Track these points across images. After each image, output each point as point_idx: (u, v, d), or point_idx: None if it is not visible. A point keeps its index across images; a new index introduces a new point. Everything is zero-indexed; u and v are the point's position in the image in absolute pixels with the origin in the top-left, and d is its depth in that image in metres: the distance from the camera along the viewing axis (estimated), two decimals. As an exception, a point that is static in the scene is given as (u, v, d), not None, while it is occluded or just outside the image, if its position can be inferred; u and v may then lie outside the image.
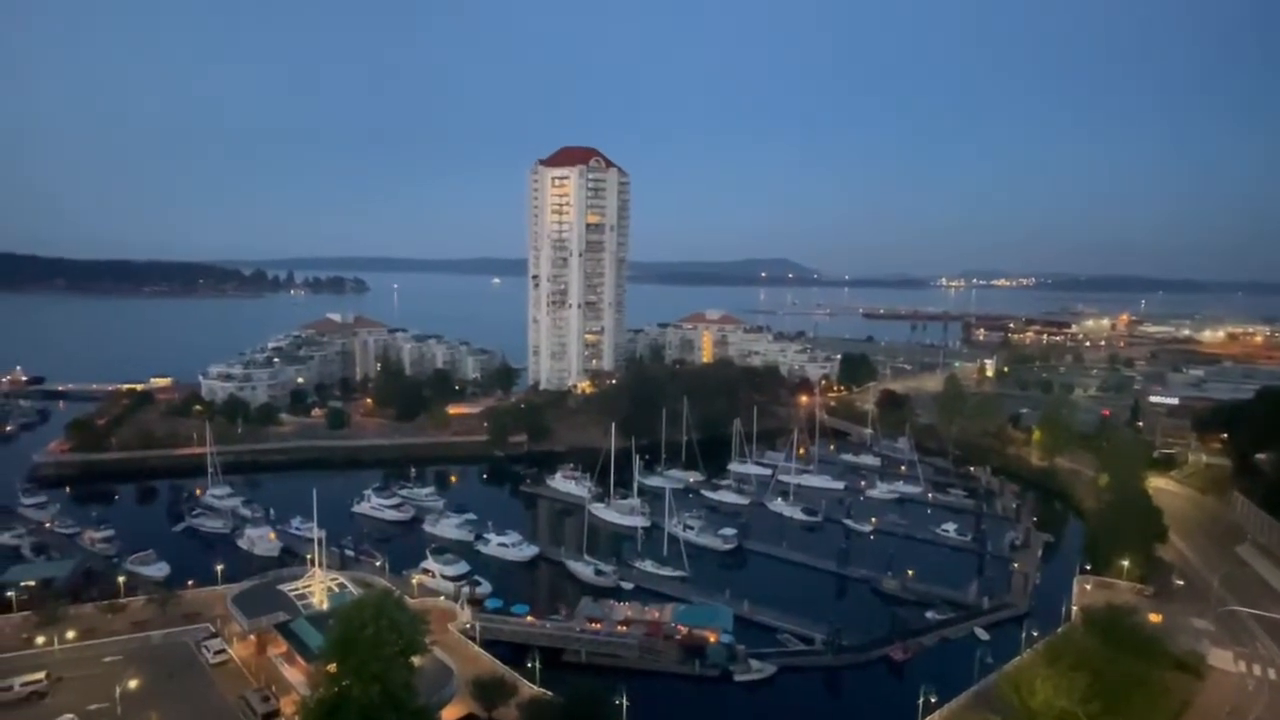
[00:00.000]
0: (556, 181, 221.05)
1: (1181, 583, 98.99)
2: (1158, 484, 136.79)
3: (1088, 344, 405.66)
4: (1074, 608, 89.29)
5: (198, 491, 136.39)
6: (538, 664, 74.27)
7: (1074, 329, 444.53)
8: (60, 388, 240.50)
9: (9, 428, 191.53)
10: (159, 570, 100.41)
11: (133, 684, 67.13)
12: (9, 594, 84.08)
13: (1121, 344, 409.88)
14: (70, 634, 77.38)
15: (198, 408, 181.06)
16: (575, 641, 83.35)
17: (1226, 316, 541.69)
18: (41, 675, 69.61)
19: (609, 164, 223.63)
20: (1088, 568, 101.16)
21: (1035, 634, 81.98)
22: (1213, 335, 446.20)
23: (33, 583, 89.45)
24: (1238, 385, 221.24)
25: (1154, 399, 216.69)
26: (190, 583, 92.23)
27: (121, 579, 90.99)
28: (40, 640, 76.18)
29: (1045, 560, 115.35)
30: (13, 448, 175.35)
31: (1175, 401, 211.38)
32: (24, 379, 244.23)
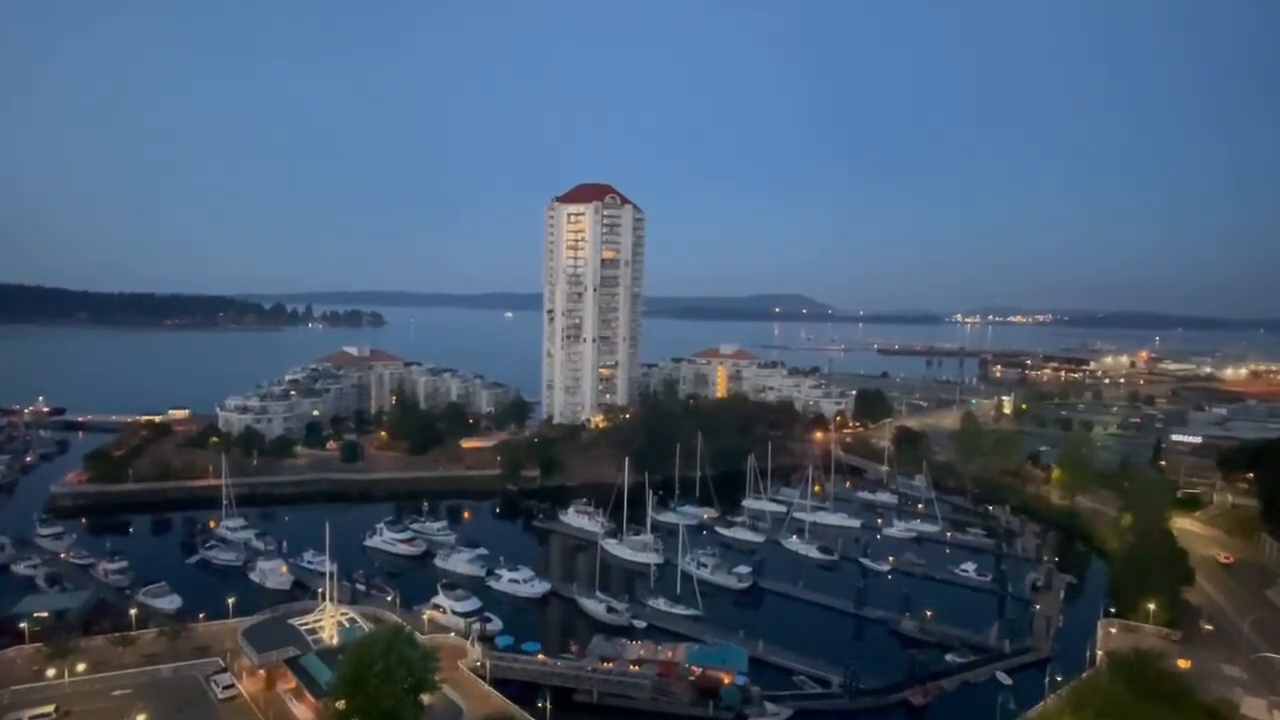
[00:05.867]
0: (572, 218, 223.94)
1: (1210, 627, 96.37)
2: (1182, 525, 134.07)
3: (1107, 381, 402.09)
4: (1098, 652, 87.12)
5: (211, 524, 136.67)
6: (548, 704, 73.05)
7: (1093, 366, 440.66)
8: (80, 419, 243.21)
9: (29, 458, 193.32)
10: (171, 603, 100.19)
11: (140, 719, 66.61)
12: (22, 625, 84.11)
13: (1141, 381, 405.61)
14: (81, 666, 77.01)
15: (214, 440, 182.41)
16: (587, 681, 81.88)
17: (1249, 354, 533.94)
18: (50, 709, 69.29)
19: (624, 200, 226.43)
20: (1112, 610, 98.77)
21: (1059, 679, 79.74)
22: (1235, 373, 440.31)
23: (46, 614, 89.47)
24: (1263, 424, 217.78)
25: (1176, 438, 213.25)
26: (202, 615, 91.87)
27: (133, 611, 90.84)
28: (50, 673, 75.82)
29: (1068, 602, 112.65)
30: (32, 478, 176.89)
31: (1198, 440, 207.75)
32: (45, 410, 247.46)
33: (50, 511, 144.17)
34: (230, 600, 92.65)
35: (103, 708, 71.01)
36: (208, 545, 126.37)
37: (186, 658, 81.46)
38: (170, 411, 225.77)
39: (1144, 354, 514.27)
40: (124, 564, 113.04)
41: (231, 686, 75.86)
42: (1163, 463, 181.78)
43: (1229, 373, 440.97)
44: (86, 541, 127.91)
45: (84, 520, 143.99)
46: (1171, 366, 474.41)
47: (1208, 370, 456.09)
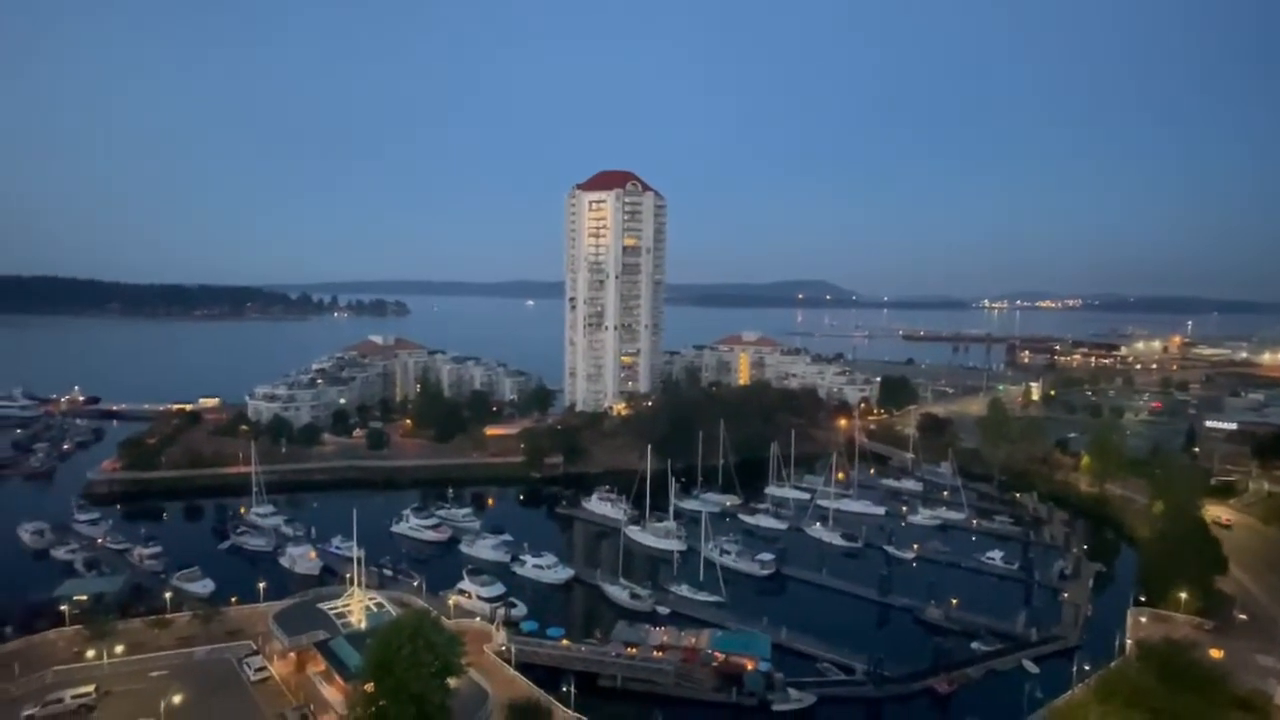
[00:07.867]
0: (593, 205, 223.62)
1: (1244, 617, 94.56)
2: (1215, 513, 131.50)
3: (1138, 367, 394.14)
4: (1128, 641, 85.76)
5: (242, 510, 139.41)
6: (572, 688, 73.59)
7: (1123, 351, 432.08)
8: (114, 408, 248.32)
9: (66, 446, 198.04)
10: (204, 587, 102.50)
11: (177, 699, 68.33)
12: (62, 608, 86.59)
13: (1174, 367, 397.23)
14: (119, 648, 79.18)
15: (243, 428, 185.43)
16: (610, 666, 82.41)
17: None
18: (90, 689, 71.29)
19: (645, 187, 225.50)
20: (1142, 599, 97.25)
21: (1087, 668, 78.74)
22: (1273, 358, 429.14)
23: (84, 597, 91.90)
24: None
25: (1210, 424, 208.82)
26: (233, 600, 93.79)
27: (168, 595, 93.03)
28: (90, 654, 78.08)
29: (1096, 591, 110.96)
30: (69, 465, 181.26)
31: (1233, 427, 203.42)
32: (81, 399, 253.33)
33: (87, 498, 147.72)
34: (261, 585, 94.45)
35: (141, 688, 72.92)
36: (238, 531, 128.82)
37: (219, 640, 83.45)
38: (201, 400, 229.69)
39: (1177, 339, 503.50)
40: (158, 549, 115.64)
41: (263, 669, 77.51)
42: (1196, 449, 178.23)
43: (1266, 358, 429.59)
44: (122, 527, 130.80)
45: (119, 506, 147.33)
46: (1206, 351, 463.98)
47: (1244, 355, 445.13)
